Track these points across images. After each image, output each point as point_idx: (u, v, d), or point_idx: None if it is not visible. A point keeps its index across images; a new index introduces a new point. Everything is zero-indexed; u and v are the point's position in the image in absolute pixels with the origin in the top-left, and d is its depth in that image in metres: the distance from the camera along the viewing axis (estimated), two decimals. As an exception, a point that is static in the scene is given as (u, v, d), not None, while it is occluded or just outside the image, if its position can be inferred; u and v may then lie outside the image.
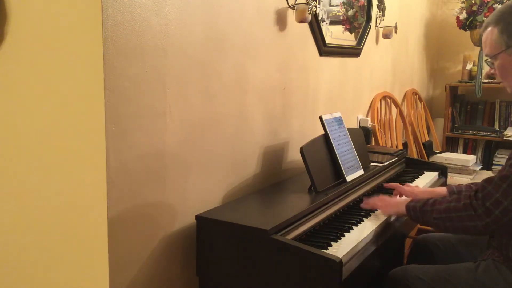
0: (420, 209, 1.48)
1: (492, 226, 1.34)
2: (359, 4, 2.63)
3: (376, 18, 2.84)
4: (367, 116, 2.94)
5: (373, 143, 2.83)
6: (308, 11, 1.90)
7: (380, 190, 1.97)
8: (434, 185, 2.19)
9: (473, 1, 3.63)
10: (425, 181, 2.17)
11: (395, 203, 1.63)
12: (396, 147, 3.08)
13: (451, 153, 3.67)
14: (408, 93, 3.59)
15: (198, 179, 1.55)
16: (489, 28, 1.47)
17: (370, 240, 1.49)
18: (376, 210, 1.69)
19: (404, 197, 1.77)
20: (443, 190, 1.79)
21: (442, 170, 2.36)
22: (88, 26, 1.17)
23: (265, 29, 1.82)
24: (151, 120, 1.34)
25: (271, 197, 1.70)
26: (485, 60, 1.55)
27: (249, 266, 1.36)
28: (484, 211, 1.34)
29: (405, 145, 3.28)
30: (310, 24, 2.12)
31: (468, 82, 3.86)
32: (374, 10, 2.80)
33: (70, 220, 1.30)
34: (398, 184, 1.89)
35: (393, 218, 1.68)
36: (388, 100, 3.14)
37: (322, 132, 1.82)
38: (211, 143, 1.59)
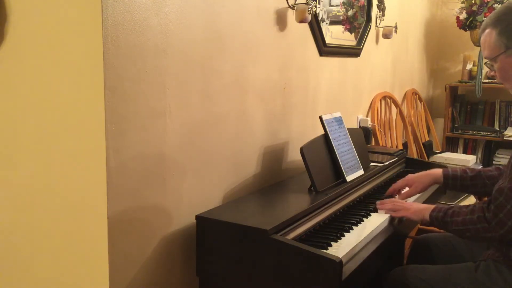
0: (442, 219, 1.50)
1: (508, 236, 1.36)
2: (359, 4, 2.63)
3: (376, 18, 2.84)
4: (367, 116, 2.94)
5: (373, 143, 2.83)
6: (308, 11, 1.90)
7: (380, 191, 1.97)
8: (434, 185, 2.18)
9: (473, 1, 3.63)
10: (425, 181, 2.16)
11: (420, 210, 1.60)
12: (396, 147, 3.08)
13: (451, 153, 3.67)
14: (408, 93, 3.59)
15: (198, 179, 1.55)
16: (487, 30, 1.46)
17: (370, 240, 1.49)
18: (376, 211, 1.69)
19: (425, 204, 1.67)
20: (438, 171, 1.81)
21: (442, 170, 2.36)
22: (88, 26, 1.17)
23: (265, 29, 1.82)
24: (151, 120, 1.34)
25: (271, 197, 1.70)
26: (485, 63, 1.55)
27: (249, 266, 1.36)
28: (497, 222, 1.36)
29: (405, 145, 3.28)
30: (310, 24, 2.12)
31: (468, 82, 3.86)
32: (374, 10, 2.80)
33: (70, 220, 1.30)
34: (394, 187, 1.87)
35: (391, 218, 1.68)
36: (388, 100, 3.14)
37: (322, 132, 1.82)
38: (211, 143, 1.59)
